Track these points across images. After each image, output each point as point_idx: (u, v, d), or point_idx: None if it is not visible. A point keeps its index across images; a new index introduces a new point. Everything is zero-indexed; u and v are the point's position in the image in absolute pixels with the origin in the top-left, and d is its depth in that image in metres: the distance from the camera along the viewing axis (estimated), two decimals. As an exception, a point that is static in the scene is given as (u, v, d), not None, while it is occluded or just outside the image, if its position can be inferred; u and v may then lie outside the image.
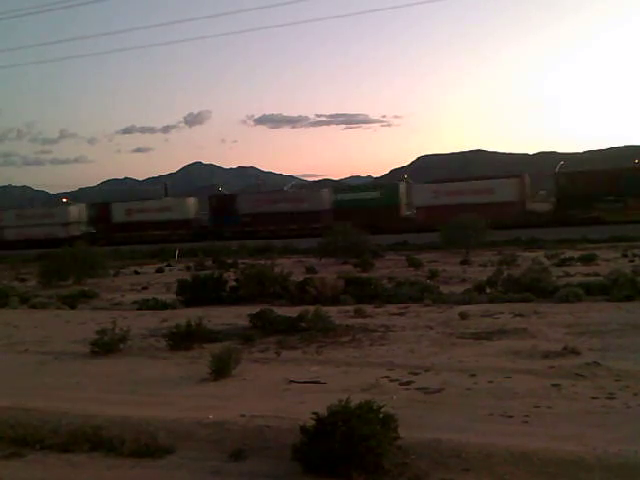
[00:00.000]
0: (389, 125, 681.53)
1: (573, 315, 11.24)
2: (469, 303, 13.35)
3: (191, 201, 61.46)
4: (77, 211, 64.85)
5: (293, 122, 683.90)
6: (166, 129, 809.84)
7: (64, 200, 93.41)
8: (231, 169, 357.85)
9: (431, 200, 48.80)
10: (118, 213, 61.41)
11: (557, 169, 68.75)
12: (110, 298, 18.86)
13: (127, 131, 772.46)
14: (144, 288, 21.46)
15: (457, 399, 6.72)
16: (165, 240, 49.37)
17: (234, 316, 12.84)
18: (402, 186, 56.64)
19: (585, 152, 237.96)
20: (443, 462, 5.14)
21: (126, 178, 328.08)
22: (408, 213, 53.92)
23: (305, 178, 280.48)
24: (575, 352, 8.35)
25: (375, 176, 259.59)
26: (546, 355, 8.34)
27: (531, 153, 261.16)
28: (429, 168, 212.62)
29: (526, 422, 5.91)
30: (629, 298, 12.67)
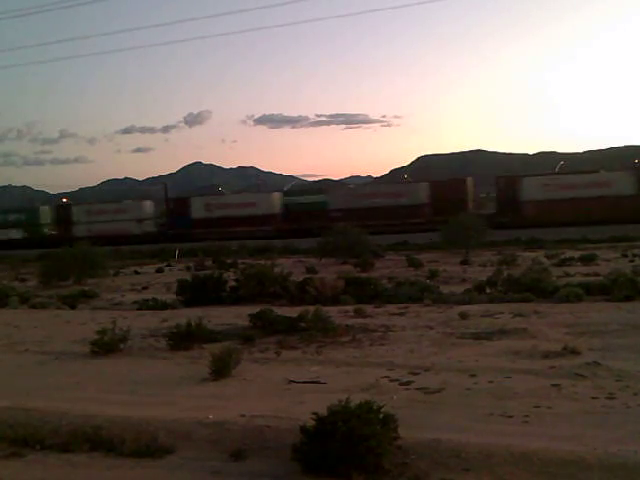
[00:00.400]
0: (389, 125, 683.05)
1: (573, 315, 11.24)
2: (469, 303, 13.34)
3: (276, 195, 58.06)
4: (151, 206, 61.15)
5: (293, 122, 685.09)
6: (166, 129, 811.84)
7: (64, 200, 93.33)
8: (231, 169, 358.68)
9: (542, 194, 46.90)
10: (197, 208, 57.23)
11: (557, 169, 68.79)
12: (110, 298, 18.84)
13: (127, 131, 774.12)
14: (144, 288, 21.44)
15: (457, 399, 6.72)
16: (250, 237, 45.05)
17: (234, 316, 12.83)
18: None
19: (585, 152, 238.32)
20: (443, 462, 5.14)
21: (126, 178, 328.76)
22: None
23: (305, 178, 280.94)
24: (575, 352, 8.35)
25: (375, 176, 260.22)
26: (546, 355, 8.34)
27: (531, 153, 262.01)
28: (429, 168, 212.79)
29: (526, 422, 5.91)
30: (629, 298, 12.67)
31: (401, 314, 12.55)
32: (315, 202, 55.18)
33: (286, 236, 45.48)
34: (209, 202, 58.52)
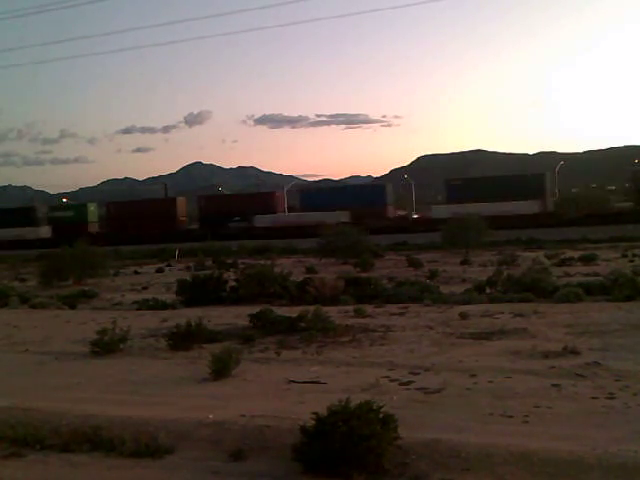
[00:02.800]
0: (389, 125, 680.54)
1: (573, 315, 11.24)
2: (469, 303, 13.34)
3: None
4: None
5: (293, 122, 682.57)
6: (166, 129, 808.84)
7: (64, 200, 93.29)
8: (231, 169, 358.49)
9: None
10: None
11: (557, 169, 68.77)
12: (110, 298, 18.85)
13: (127, 131, 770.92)
14: (144, 288, 21.46)
15: (457, 399, 6.72)
16: None
17: (234, 316, 12.84)
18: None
19: (585, 152, 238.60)
20: (443, 462, 5.14)
21: (126, 178, 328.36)
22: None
23: (305, 178, 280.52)
24: (575, 352, 8.35)
25: (375, 176, 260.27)
26: (546, 355, 8.34)
27: (531, 153, 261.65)
28: (429, 168, 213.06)
29: (526, 422, 5.90)
30: (629, 298, 12.67)
31: (401, 314, 12.55)
32: None
33: None
34: None
